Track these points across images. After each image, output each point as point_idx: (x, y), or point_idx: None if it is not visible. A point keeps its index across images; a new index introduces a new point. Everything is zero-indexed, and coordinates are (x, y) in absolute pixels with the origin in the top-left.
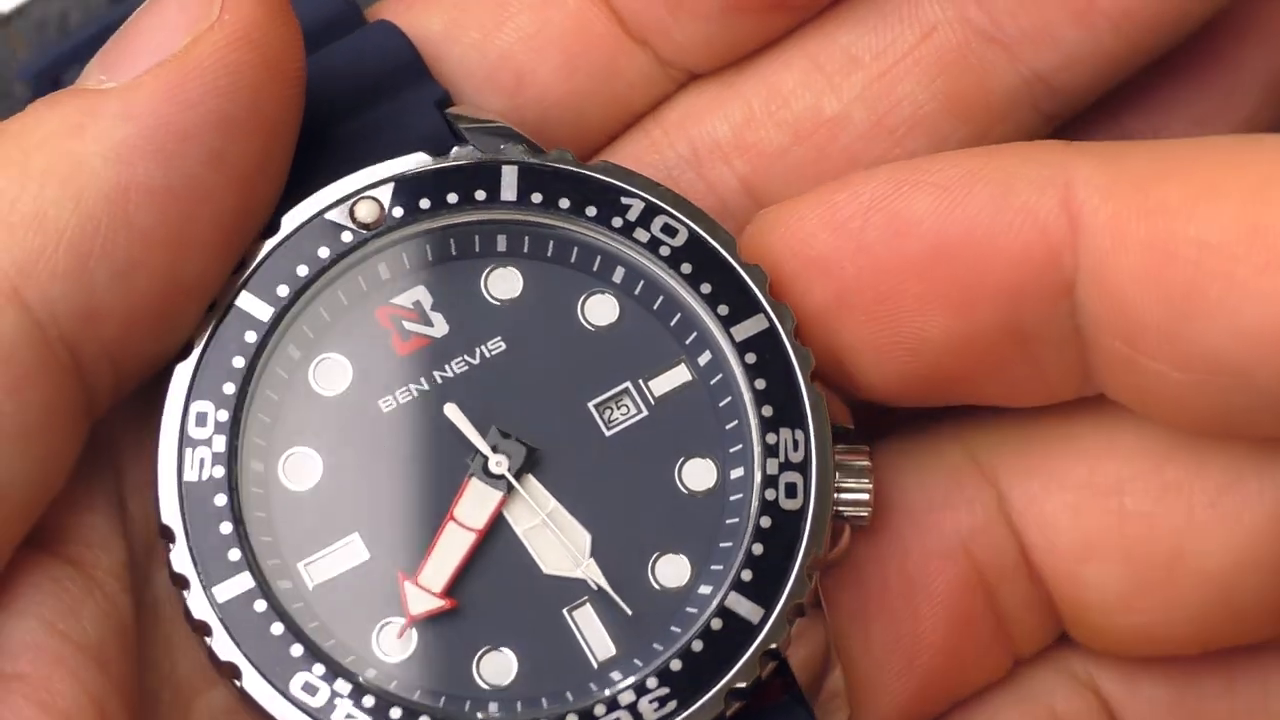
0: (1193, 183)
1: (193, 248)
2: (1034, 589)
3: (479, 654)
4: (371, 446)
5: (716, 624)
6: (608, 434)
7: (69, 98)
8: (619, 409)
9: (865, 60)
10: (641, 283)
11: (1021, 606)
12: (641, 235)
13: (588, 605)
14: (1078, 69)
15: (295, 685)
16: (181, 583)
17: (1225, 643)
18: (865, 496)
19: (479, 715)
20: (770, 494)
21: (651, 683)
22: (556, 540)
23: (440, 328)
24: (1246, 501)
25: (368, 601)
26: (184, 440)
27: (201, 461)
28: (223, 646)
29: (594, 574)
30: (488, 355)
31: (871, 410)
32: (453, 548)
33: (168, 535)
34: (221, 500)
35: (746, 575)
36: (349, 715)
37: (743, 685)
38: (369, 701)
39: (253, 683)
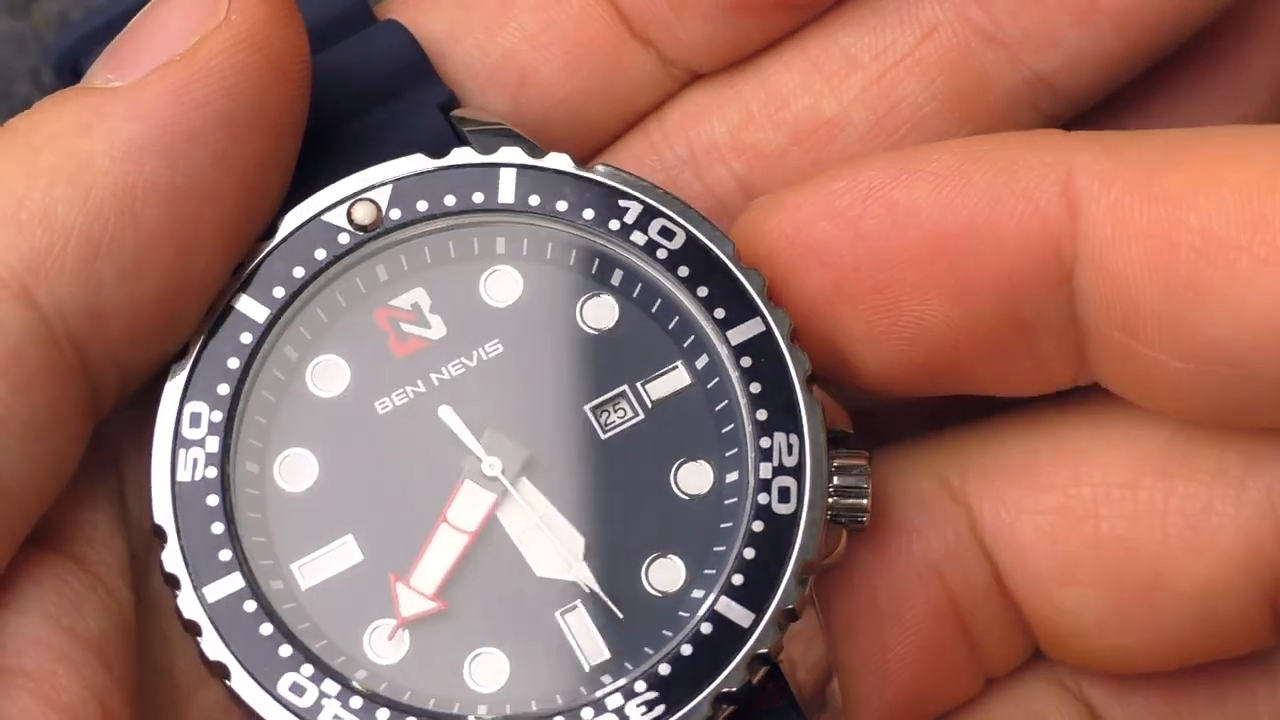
0: (1195, 171)
1: (198, 247)
2: (1008, 612)
3: (470, 656)
4: (367, 448)
5: (706, 628)
6: (604, 437)
7: (76, 96)
8: (615, 412)
9: (865, 61)
10: (639, 285)
11: (995, 630)
12: (639, 238)
13: (580, 608)
14: (1079, 70)
15: (283, 686)
16: (173, 582)
17: (1203, 659)
18: (863, 501)
19: (469, 718)
20: (763, 498)
21: (640, 687)
22: (549, 543)
23: (438, 330)
24: (1222, 524)
25: (360, 603)
26: (178, 441)
27: (195, 462)
28: (212, 646)
29: (586, 577)
30: (485, 357)
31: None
32: (445, 550)
33: (160, 535)
34: (214, 501)
35: (737, 580)
36: (336, 716)
37: (732, 690)
38: (356, 703)
39: (241, 682)
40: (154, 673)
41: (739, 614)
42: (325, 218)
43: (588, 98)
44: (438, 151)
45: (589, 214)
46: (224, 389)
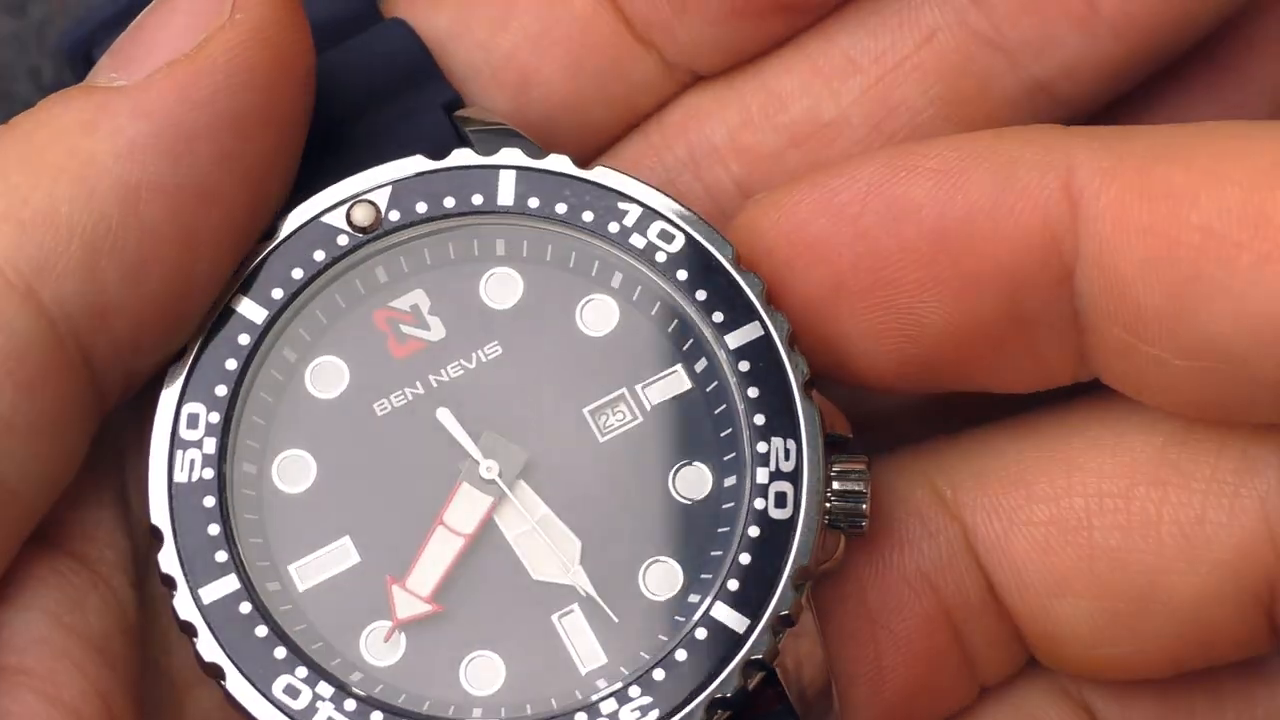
0: (1196, 168)
1: (202, 246)
2: (1002, 622)
3: (466, 659)
4: (365, 450)
5: (701, 633)
6: (602, 440)
7: (80, 95)
8: (614, 415)
9: (864, 64)
10: (639, 288)
11: (989, 639)
12: (638, 241)
13: (577, 612)
14: (1079, 76)
15: (278, 688)
16: (169, 583)
17: (1199, 667)
18: (862, 506)
19: None
20: (760, 503)
21: (634, 691)
22: (546, 546)
23: (437, 331)
24: (1216, 533)
25: (356, 605)
26: (175, 442)
27: (192, 463)
28: (207, 647)
29: (582, 581)
30: (484, 360)
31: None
32: (441, 552)
33: (157, 536)
34: (210, 502)
35: (733, 585)
36: (330, 718)
37: (726, 696)
38: (350, 705)
39: (236, 684)
40: (154, 670)
41: (734, 620)
42: (324, 219)
43: (590, 99)
44: (440, 152)
45: (588, 216)
46: (221, 390)
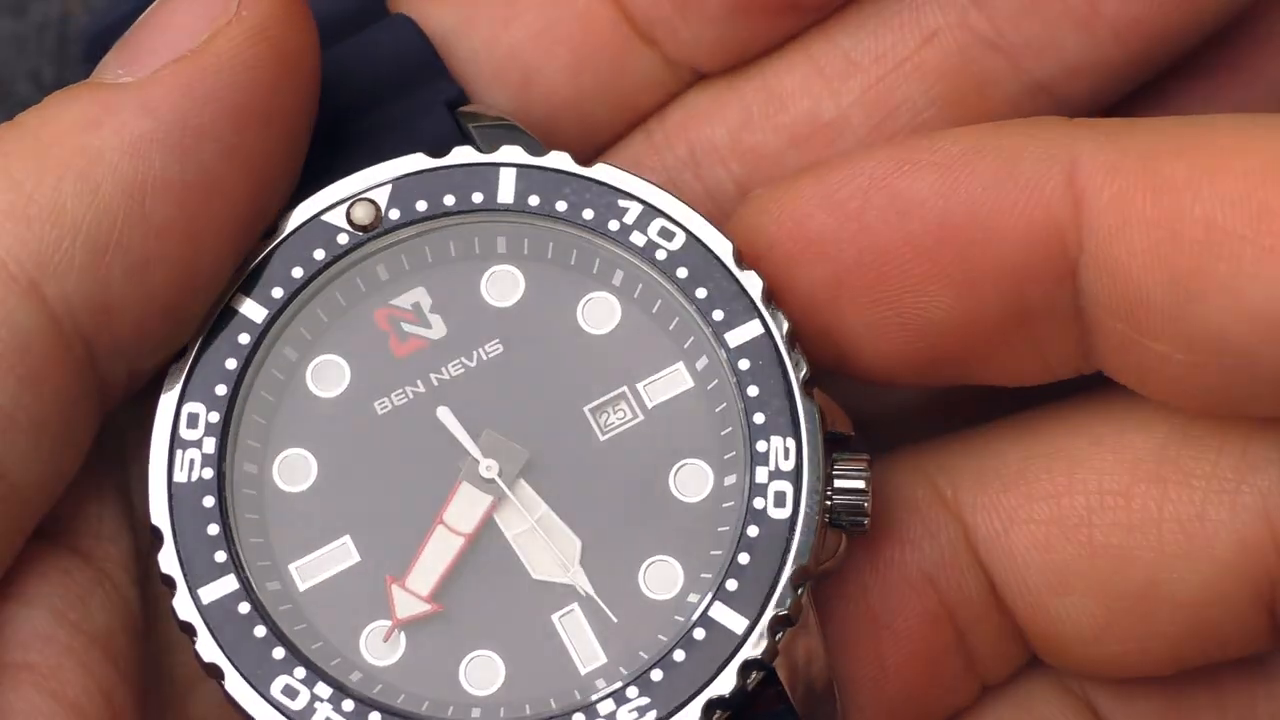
0: (1200, 161)
1: (206, 242)
2: (1003, 621)
3: (466, 659)
4: (366, 449)
5: (699, 633)
6: (602, 439)
7: (86, 91)
8: (615, 414)
9: (865, 64)
10: (640, 286)
11: (991, 638)
12: (638, 239)
13: (576, 611)
14: (1080, 77)
15: (276, 688)
16: (169, 583)
17: (1200, 664)
18: (863, 504)
19: None
20: (759, 502)
21: (631, 692)
22: (546, 546)
23: (438, 330)
24: (1217, 530)
25: (356, 604)
26: (175, 441)
27: (191, 463)
28: (206, 648)
29: (582, 580)
30: (485, 358)
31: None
32: (441, 552)
33: (157, 536)
34: (210, 502)
35: (731, 585)
36: (327, 719)
37: (724, 696)
38: (349, 706)
39: (234, 684)
40: (156, 668)
41: (732, 619)
42: (324, 218)
43: (593, 97)
44: (441, 150)
45: (589, 214)
46: (221, 390)
